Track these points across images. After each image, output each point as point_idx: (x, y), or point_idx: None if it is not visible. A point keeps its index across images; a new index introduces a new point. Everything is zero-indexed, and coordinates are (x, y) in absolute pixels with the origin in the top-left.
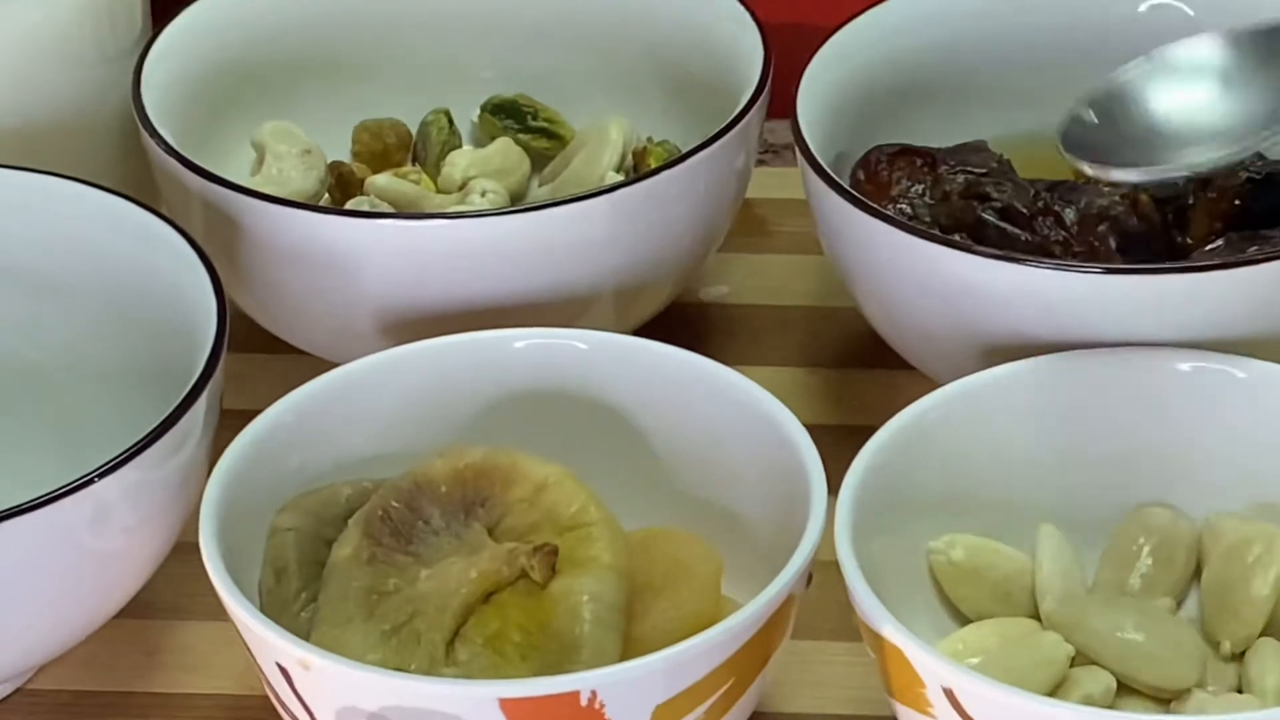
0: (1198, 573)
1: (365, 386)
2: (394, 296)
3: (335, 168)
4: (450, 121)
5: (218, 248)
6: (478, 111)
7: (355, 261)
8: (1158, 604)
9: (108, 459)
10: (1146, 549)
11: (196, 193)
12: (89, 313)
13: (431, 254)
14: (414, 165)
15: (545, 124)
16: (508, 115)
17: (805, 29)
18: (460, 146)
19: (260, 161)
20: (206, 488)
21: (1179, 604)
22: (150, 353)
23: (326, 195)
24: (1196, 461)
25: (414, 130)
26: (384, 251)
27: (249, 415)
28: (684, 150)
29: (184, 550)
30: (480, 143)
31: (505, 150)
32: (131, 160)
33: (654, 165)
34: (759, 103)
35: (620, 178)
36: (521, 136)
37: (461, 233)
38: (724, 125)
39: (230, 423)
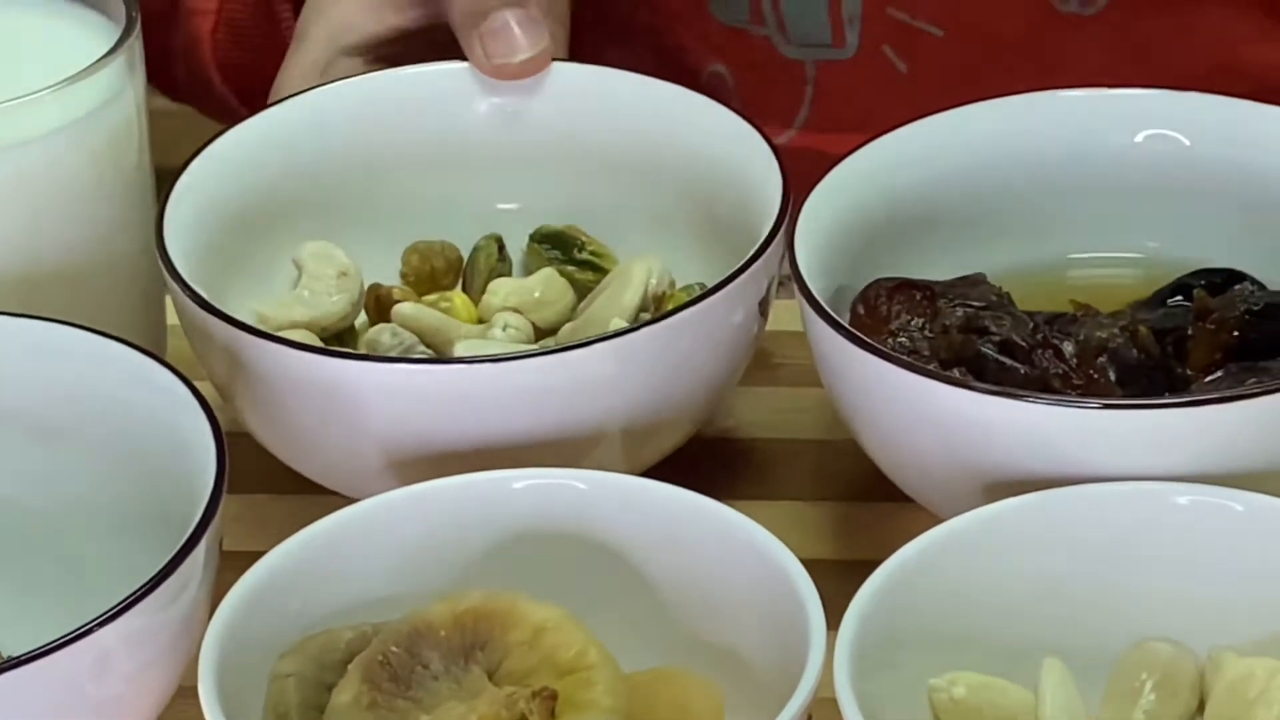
0: (1201, 708)
1: (364, 530)
2: (398, 434)
3: (374, 290)
4: (501, 248)
5: (228, 379)
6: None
7: (354, 400)
8: None
9: (110, 605)
10: (1149, 684)
11: (205, 328)
12: (89, 457)
13: (430, 396)
14: (461, 290)
15: (591, 256)
16: (554, 246)
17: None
18: (509, 275)
19: (298, 280)
20: (206, 633)
21: None
22: (151, 497)
23: (363, 315)
24: (1198, 596)
25: (465, 255)
26: (381, 391)
27: (251, 557)
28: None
29: (186, 695)
30: (530, 271)
31: (548, 281)
32: (134, 302)
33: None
34: (764, 258)
35: (624, 324)
36: (566, 268)
37: (449, 379)
38: (719, 281)
39: (232, 564)
